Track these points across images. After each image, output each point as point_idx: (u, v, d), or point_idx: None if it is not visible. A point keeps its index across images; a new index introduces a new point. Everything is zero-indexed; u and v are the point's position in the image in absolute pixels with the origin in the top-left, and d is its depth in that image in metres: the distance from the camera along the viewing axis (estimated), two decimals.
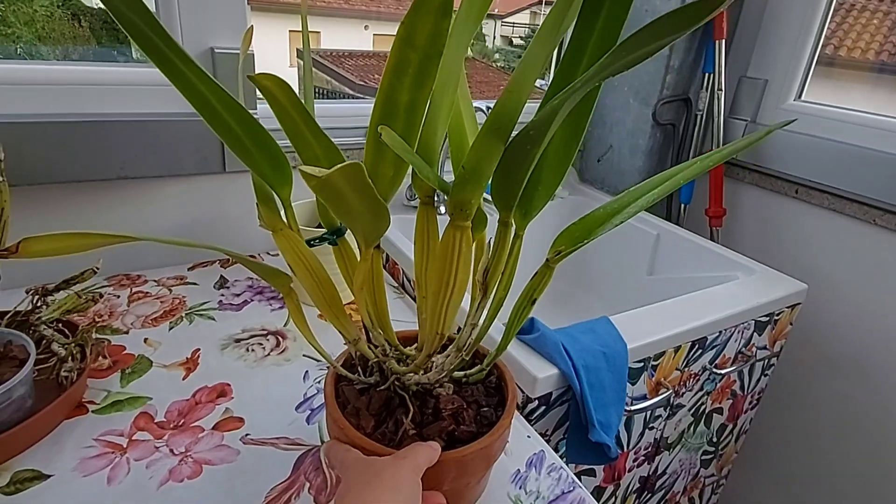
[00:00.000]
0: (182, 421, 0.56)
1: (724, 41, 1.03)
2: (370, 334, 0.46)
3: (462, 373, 0.48)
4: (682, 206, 1.19)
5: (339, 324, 0.45)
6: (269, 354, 0.67)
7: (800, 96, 1.06)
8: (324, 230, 0.46)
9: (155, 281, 0.80)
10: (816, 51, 1.03)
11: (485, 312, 0.44)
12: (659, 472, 0.88)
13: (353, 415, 0.44)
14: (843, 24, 1.11)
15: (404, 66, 0.34)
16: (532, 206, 0.40)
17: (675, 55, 1.04)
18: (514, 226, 0.40)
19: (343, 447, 0.41)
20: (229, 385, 0.61)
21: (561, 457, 0.67)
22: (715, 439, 0.95)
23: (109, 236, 0.36)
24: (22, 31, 1.08)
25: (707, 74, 1.09)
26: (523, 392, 0.61)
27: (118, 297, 0.76)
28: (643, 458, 0.82)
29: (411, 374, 0.45)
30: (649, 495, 0.90)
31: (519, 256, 0.42)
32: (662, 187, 0.40)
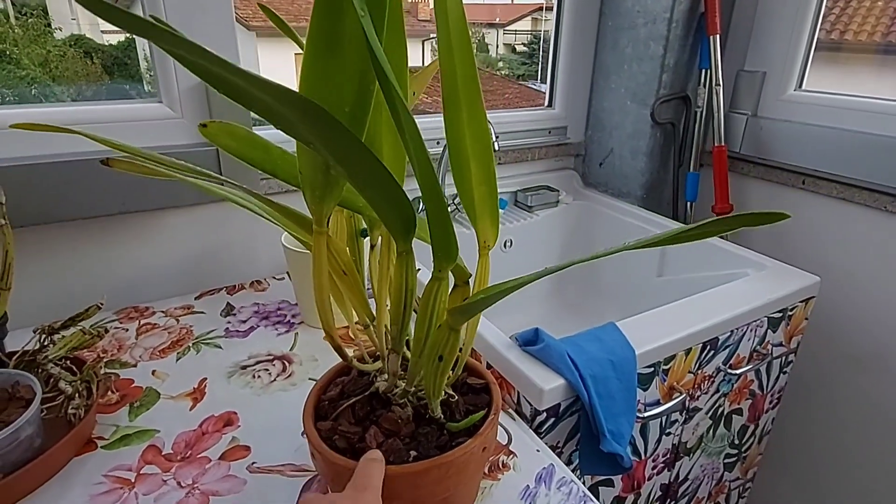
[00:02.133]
0: (189, 452, 0.56)
1: (718, 36, 1.02)
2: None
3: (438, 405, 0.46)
4: (689, 204, 1.18)
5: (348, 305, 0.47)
6: (275, 380, 0.67)
7: (800, 85, 1.05)
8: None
9: (163, 312, 0.81)
10: (814, 38, 1.02)
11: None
12: (681, 478, 0.86)
13: (336, 384, 0.49)
14: (848, 8, 1.10)
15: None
16: (443, 248, 0.38)
17: (669, 54, 1.03)
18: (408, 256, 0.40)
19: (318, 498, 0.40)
20: (236, 413, 0.61)
21: (574, 469, 0.66)
22: (737, 441, 0.93)
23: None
24: (36, 72, 1.11)
25: (704, 71, 1.08)
26: (531, 405, 0.60)
27: (127, 330, 0.77)
28: (663, 464, 0.80)
29: (378, 376, 0.46)
30: (672, 503, 0.88)
31: (437, 298, 0.40)
32: (580, 261, 0.38)
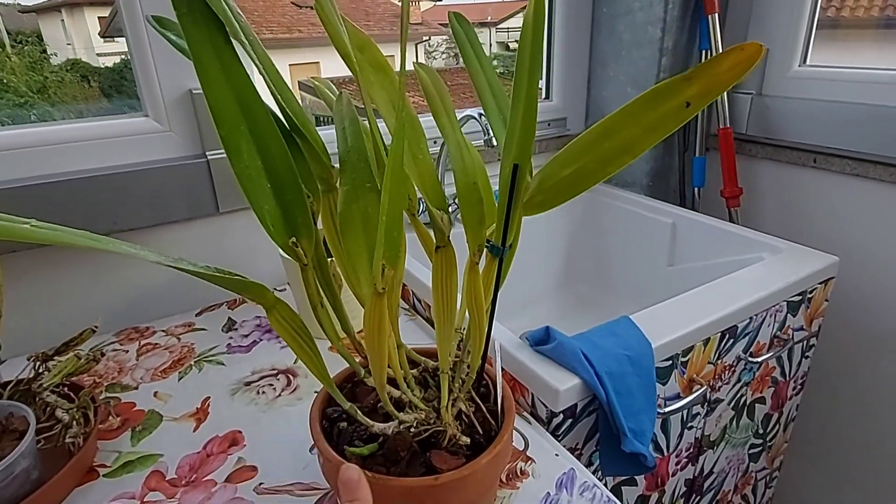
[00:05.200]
0: (194, 476, 0.53)
1: (717, 15, 0.99)
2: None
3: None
4: (696, 189, 1.15)
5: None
6: (280, 395, 0.65)
7: (804, 61, 1.02)
8: None
9: (163, 331, 0.79)
10: (816, 12, 0.99)
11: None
12: (705, 472, 0.83)
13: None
14: None
15: None
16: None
17: (667, 36, 1.01)
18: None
19: None
20: (241, 432, 0.59)
21: (595, 470, 0.64)
22: (761, 431, 0.90)
23: None
24: (34, 99, 1.10)
25: (704, 51, 1.05)
26: (546, 406, 0.58)
27: (127, 351, 0.75)
28: (686, 459, 0.78)
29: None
30: (698, 498, 0.85)
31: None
32: None
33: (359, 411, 0.42)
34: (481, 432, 0.43)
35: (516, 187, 0.33)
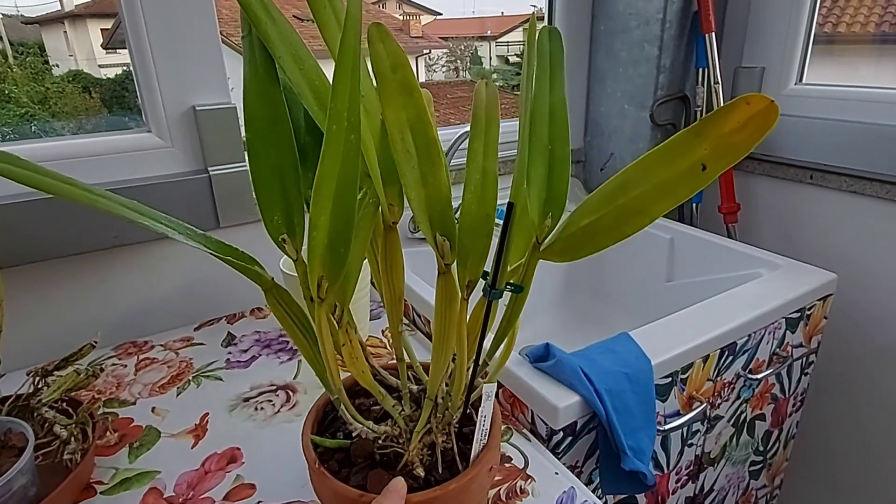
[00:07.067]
0: (191, 494, 0.53)
1: (713, 34, 1.01)
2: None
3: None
4: (694, 205, 1.16)
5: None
6: (279, 411, 0.64)
7: (801, 79, 1.03)
8: None
9: (162, 345, 0.79)
10: (811, 30, 1.00)
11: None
12: (706, 490, 0.83)
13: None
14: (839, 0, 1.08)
15: None
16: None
17: (664, 54, 1.02)
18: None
19: None
20: (239, 449, 0.59)
21: (595, 489, 0.63)
22: (761, 448, 0.90)
23: None
24: (35, 109, 1.10)
25: (701, 69, 1.06)
26: (546, 424, 0.58)
27: (125, 366, 0.74)
28: (686, 477, 0.77)
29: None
30: None
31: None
32: None
33: (342, 403, 0.42)
34: (440, 472, 0.42)
35: (510, 224, 0.34)
